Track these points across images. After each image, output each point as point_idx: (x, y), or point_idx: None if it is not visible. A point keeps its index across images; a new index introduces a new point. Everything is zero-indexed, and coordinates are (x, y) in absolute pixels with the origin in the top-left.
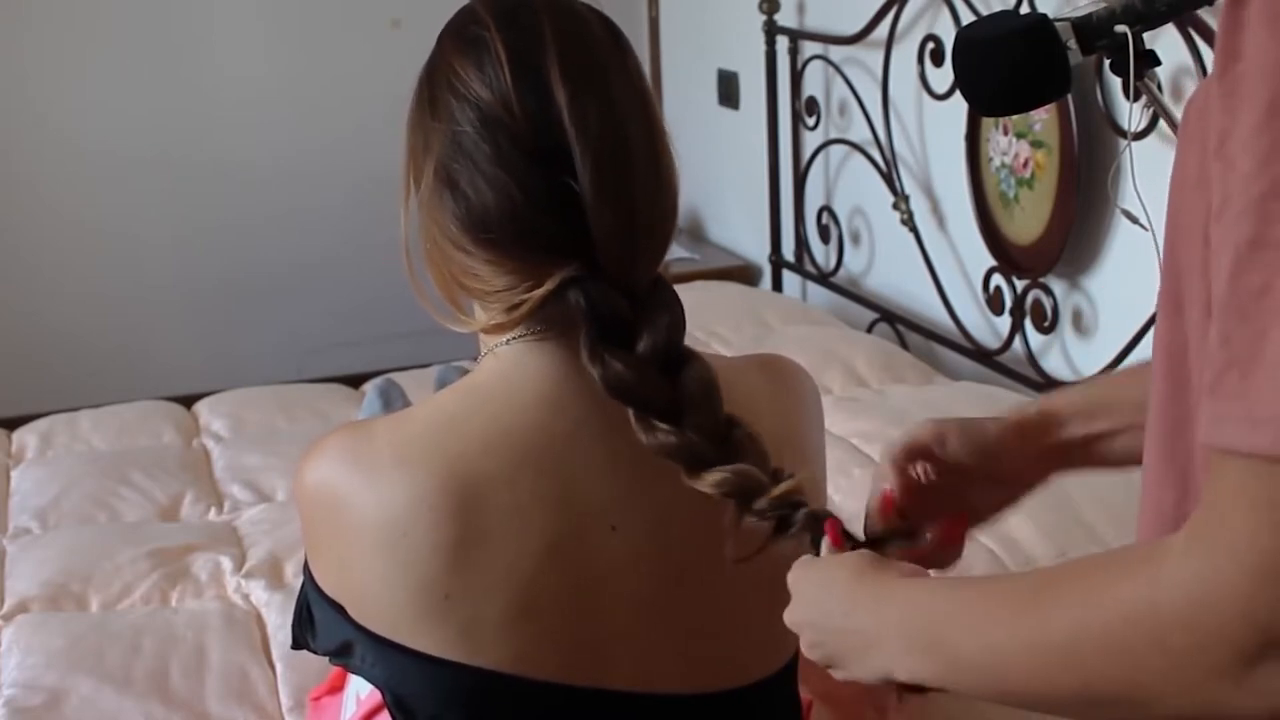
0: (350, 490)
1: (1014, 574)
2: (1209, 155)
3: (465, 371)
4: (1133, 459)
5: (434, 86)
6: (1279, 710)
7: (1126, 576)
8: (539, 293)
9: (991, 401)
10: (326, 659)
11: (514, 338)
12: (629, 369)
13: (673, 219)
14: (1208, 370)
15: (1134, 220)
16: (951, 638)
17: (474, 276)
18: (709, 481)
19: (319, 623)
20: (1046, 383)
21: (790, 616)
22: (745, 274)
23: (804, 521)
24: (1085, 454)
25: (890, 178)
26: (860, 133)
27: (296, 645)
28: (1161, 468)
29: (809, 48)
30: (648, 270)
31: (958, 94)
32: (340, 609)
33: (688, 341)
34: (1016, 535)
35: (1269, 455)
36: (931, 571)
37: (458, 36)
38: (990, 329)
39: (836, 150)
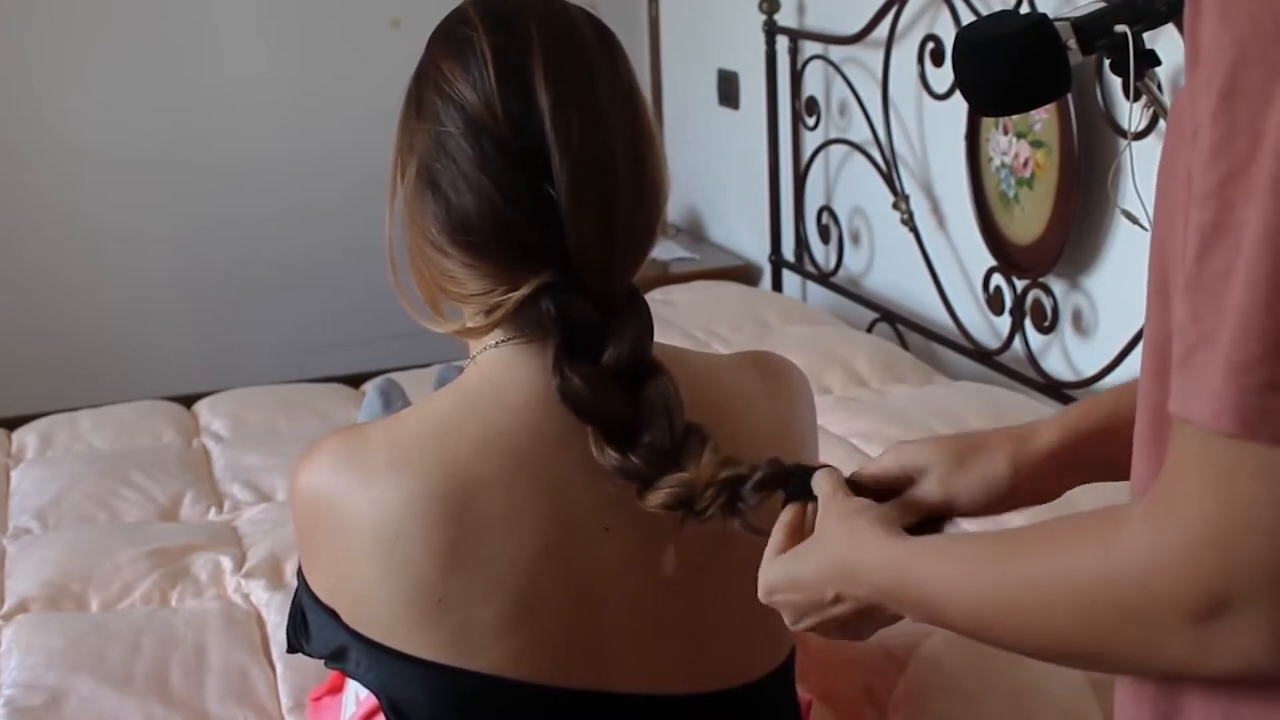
0: (344, 495)
1: (982, 537)
2: (1187, 145)
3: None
4: None
5: (421, 86)
6: (1233, 669)
7: (1088, 543)
8: (514, 298)
9: (992, 401)
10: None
11: (503, 340)
12: (586, 383)
13: (653, 229)
14: (1178, 344)
15: (1134, 220)
16: (935, 602)
17: (450, 279)
18: (652, 504)
19: (313, 627)
20: (1047, 383)
21: (793, 627)
22: (745, 274)
23: (758, 488)
24: (1112, 470)
25: (890, 178)
26: (860, 133)
27: (291, 649)
28: (1148, 454)
29: (809, 48)
30: (623, 280)
31: (958, 94)
32: (334, 614)
33: (687, 342)
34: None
35: (1225, 431)
36: None
37: (446, 37)
38: (990, 329)
39: (836, 150)
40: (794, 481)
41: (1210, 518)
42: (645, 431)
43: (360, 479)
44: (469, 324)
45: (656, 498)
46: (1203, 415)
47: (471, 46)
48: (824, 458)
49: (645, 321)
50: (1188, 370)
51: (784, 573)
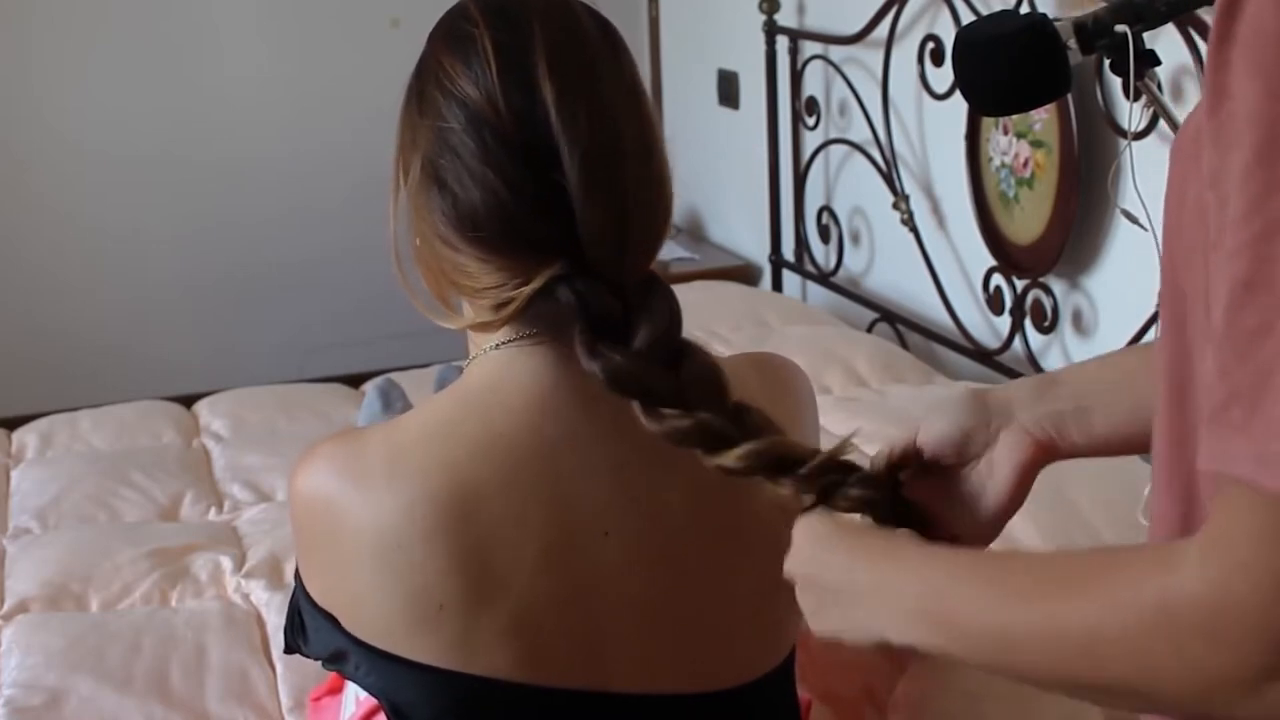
0: (343, 500)
1: (1025, 555)
2: (1203, 185)
3: None
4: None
5: (423, 83)
6: None
7: (1144, 580)
8: (527, 290)
9: None
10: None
11: (504, 341)
12: (629, 360)
13: (665, 217)
14: (1207, 399)
15: (1134, 220)
16: (959, 612)
17: (463, 273)
18: (734, 455)
19: (310, 630)
20: None
21: (789, 565)
22: (745, 274)
23: (860, 487)
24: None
25: (890, 178)
26: (860, 133)
27: (289, 650)
28: (1166, 483)
29: (809, 48)
30: (638, 268)
31: (958, 94)
32: (332, 619)
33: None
34: (1016, 534)
35: (1274, 493)
36: None
37: (447, 33)
38: (990, 329)
39: (836, 150)
40: (894, 506)
41: (1277, 572)
42: (698, 407)
43: (359, 484)
44: (480, 319)
45: (735, 455)
46: (1252, 478)
47: (473, 42)
48: None
49: (672, 304)
50: (1223, 427)
51: (831, 521)
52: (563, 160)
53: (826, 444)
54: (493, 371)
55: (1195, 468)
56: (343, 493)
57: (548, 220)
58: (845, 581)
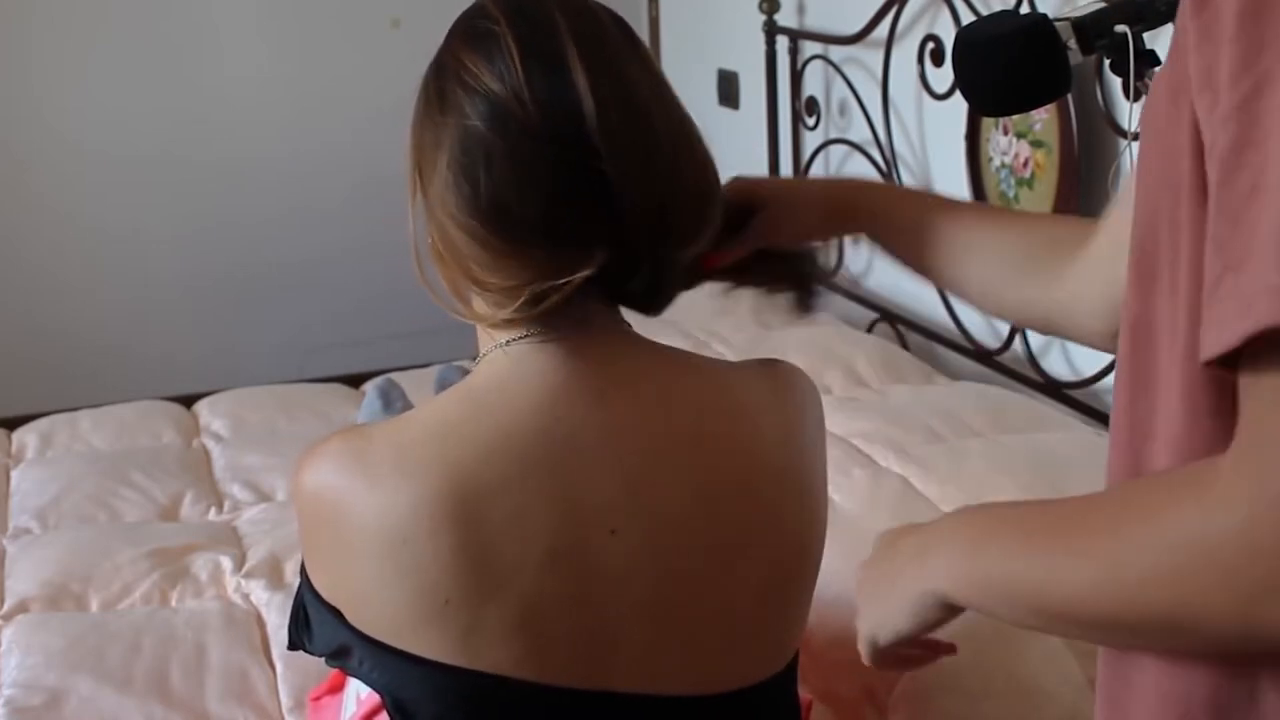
0: (349, 496)
1: (1059, 500)
2: (1193, 95)
3: (466, 371)
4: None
5: (443, 81)
6: None
7: (1175, 502)
8: (577, 278)
9: (992, 401)
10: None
11: (515, 339)
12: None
13: (709, 203)
14: (1206, 283)
15: None
16: (993, 557)
17: (485, 269)
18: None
19: (315, 625)
20: (1046, 383)
21: (863, 568)
22: None
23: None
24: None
25: (890, 178)
26: (860, 133)
27: (292, 646)
28: (1125, 427)
29: (809, 48)
30: (684, 256)
31: (958, 94)
32: (337, 613)
33: (688, 343)
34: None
35: (1272, 325)
36: None
37: (467, 31)
38: (990, 329)
39: (836, 150)
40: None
41: None
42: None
43: (365, 481)
44: (501, 315)
45: None
46: (1251, 324)
47: (495, 39)
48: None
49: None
50: (1217, 303)
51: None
52: (598, 148)
53: (828, 445)
54: (501, 370)
55: (1154, 410)
56: (349, 488)
57: (575, 213)
58: (905, 542)
